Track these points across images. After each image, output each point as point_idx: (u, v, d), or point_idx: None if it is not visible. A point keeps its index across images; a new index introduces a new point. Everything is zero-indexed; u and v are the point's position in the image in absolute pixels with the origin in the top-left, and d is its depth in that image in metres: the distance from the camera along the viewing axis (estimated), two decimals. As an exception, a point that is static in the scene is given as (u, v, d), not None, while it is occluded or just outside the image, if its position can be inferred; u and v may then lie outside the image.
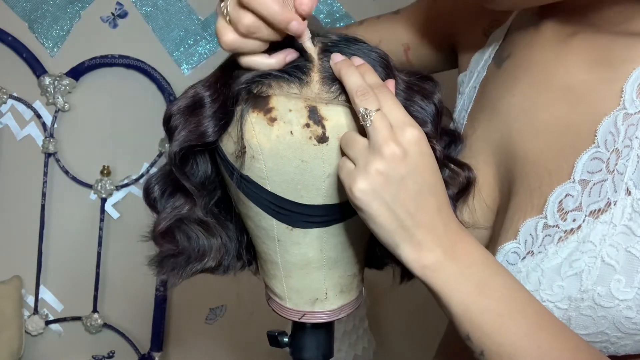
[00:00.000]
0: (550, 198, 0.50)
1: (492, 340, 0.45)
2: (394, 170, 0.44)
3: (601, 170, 0.48)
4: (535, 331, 0.45)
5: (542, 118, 0.53)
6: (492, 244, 0.57)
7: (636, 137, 0.46)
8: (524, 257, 0.51)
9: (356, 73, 0.47)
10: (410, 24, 0.75)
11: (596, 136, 0.48)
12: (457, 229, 0.47)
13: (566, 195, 0.49)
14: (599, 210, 0.47)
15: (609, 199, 0.47)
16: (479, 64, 0.64)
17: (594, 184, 0.48)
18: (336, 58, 0.48)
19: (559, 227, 0.49)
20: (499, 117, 0.57)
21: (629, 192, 0.46)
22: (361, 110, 0.45)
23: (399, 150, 0.44)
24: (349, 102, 0.47)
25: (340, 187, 0.49)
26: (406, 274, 0.60)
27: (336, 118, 0.47)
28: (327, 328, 0.59)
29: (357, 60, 0.49)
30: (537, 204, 0.51)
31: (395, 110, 0.46)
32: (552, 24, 0.55)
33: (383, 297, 1.42)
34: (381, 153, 0.44)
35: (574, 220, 0.49)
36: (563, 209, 0.49)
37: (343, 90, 0.48)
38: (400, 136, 0.44)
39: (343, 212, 0.51)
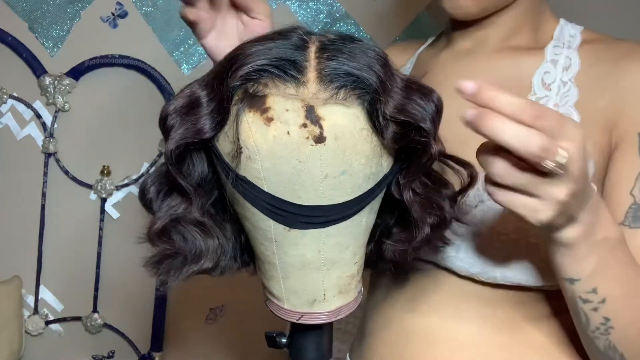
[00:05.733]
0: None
1: (616, 288, 0.52)
2: (580, 185, 0.46)
3: None
4: (638, 272, 0.54)
5: None
6: None
7: None
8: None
9: (507, 122, 0.42)
10: None
11: None
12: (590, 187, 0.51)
13: None
14: None
15: None
16: None
17: None
18: (469, 116, 0.43)
19: None
20: None
21: None
22: (558, 161, 0.42)
23: (584, 166, 0.45)
24: (346, 102, 0.47)
25: (339, 187, 0.49)
26: (403, 274, 0.60)
27: (334, 118, 0.47)
28: (325, 329, 0.59)
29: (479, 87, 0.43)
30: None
31: (570, 130, 0.43)
32: (463, 42, 0.71)
33: (383, 298, 1.42)
34: (573, 176, 0.44)
35: None
36: None
37: (340, 89, 0.47)
38: (580, 153, 0.44)
39: (341, 212, 0.51)
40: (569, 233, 0.50)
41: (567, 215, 0.47)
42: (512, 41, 0.68)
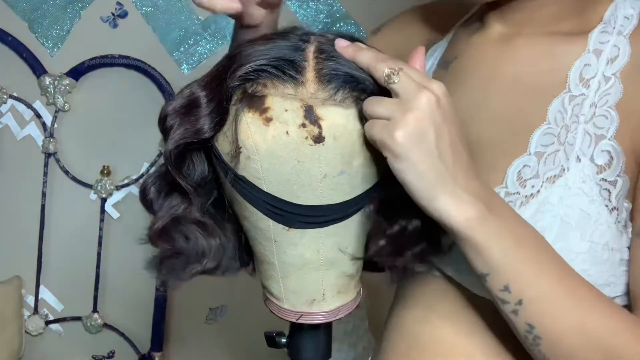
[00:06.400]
0: (509, 170, 0.55)
1: (532, 288, 0.48)
2: (431, 116, 0.45)
3: (553, 143, 0.55)
4: (567, 278, 0.49)
5: (494, 106, 0.58)
6: None
7: (582, 114, 0.54)
8: None
9: (370, 50, 0.48)
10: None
11: (547, 115, 0.55)
12: (485, 184, 0.49)
13: (524, 166, 0.55)
14: (555, 176, 0.54)
15: (562, 166, 0.53)
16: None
17: (549, 155, 0.54)
18: (342, 43, 0.49)
19: (519, 194, 0.55)
20: None
21: (579, 160, 0.53)
22: (386, 71, 0.46)
23: (434, 97, 0.45)
24: (344, 102, 0.47)
25: (338, 187, 0.49)
26: (403, 275, 0.60)
27: (332, 118, 0.47)
28: (325, 329, 0.59)
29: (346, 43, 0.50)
30: (495, 179, 0.56)
31: (415, 71, 0.47)
32: (499, 27, 0.61)
33: (383, 297, 1.42)
34: (417, 101, 0.44)
35: (532, 186, 0.54)
36: (522, 178, 0.55)
37: (339, 89, 0.47)
38: (430, 87, 0.45)
39: (340, 212, 0.51)
40: (454, 212, 0.46)
41: (424, 151, 0.45)
42: (557, 26, 0.58)
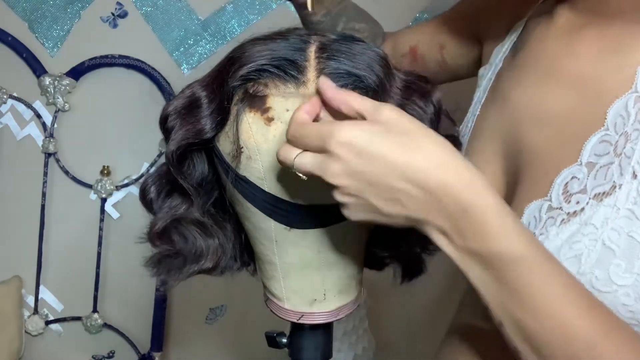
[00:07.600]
0: (556, 181, 0.49)
1: (515, 309, 0.43)
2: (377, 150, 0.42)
3: (609, 153, 0.47)
4: (571, 289, 0.43)
5: (551, 108, 0.53)
6: None
7: None
8: None
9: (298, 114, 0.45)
10: (444, 26, 0.78)
11: (606, 119, 0.48)
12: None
13: (572, 178, 0.49)
14: (604, 193, 0.46)
15: (614, 182, 0.46)
16: (497, 57, 0.65)
17: (601, 167, 0.47)
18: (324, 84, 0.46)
19: (562, 210, 0.48)
20: (509, 107, 0.57)
21: (635, 176, 0.45)
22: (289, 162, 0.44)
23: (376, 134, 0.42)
24: None
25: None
26: (407, 274, 0.60)
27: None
28: (325, 329, 0.59)
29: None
30: (543, 190, 0.51)
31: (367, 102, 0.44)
32: (567, 15, 0.55)
33: (383, 297, 1.42)
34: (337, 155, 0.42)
35: (577, 202, 0.48)
36: (568, 192, 0.49)
37: (340, 88, 0.47)
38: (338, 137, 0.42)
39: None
40: (427, 229, 0.44)
41: (367, 186, 0.42)
42: (636, 14, 0.50)
